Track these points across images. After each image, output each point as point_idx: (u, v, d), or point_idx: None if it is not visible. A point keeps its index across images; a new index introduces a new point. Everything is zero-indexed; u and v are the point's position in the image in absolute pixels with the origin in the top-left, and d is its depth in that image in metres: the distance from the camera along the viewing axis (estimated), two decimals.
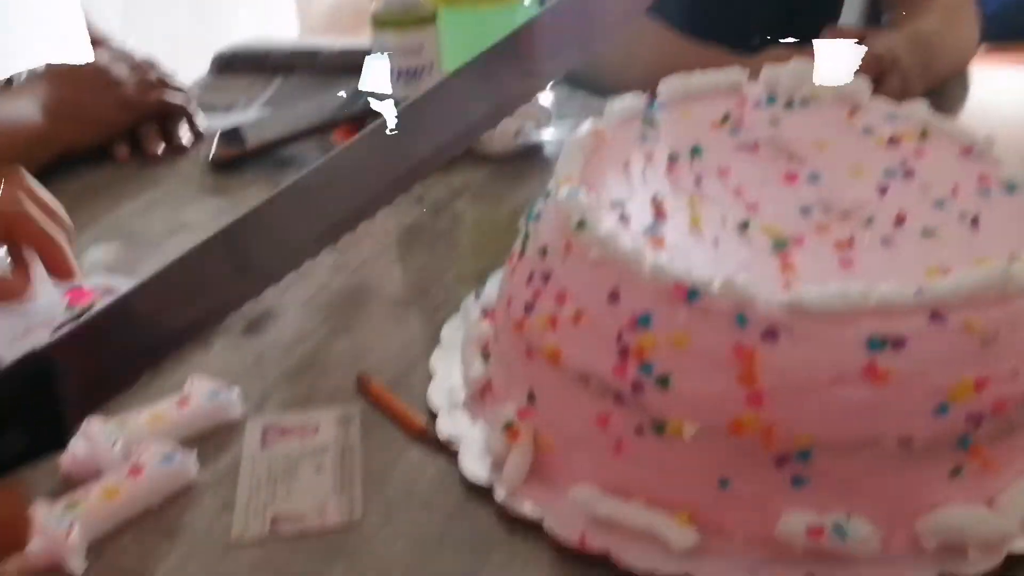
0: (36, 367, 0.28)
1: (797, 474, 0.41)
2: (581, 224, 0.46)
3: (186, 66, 1.16)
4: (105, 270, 0.66)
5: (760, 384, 0.41)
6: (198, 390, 0.55)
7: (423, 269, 0.69)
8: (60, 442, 0.29)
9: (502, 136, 0.85)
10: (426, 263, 0.70)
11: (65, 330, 0.29)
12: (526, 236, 0.51)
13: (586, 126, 0.54)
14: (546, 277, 0.47)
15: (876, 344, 0.40)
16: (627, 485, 0.44)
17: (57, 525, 0.47)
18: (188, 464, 0.50)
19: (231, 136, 0.92)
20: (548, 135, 0.86)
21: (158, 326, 0.30)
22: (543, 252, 0.48)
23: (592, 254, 0.45)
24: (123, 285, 0.62)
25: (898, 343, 0.40)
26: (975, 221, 0.47)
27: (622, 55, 0.96)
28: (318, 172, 0.32)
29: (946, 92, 0.97)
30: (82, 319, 0.29)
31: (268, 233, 0.32)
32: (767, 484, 0.42)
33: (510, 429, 0.47)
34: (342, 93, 0.93)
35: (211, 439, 0.53)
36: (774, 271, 0.44)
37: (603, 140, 0.53)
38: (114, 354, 0.29)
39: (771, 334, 0.41)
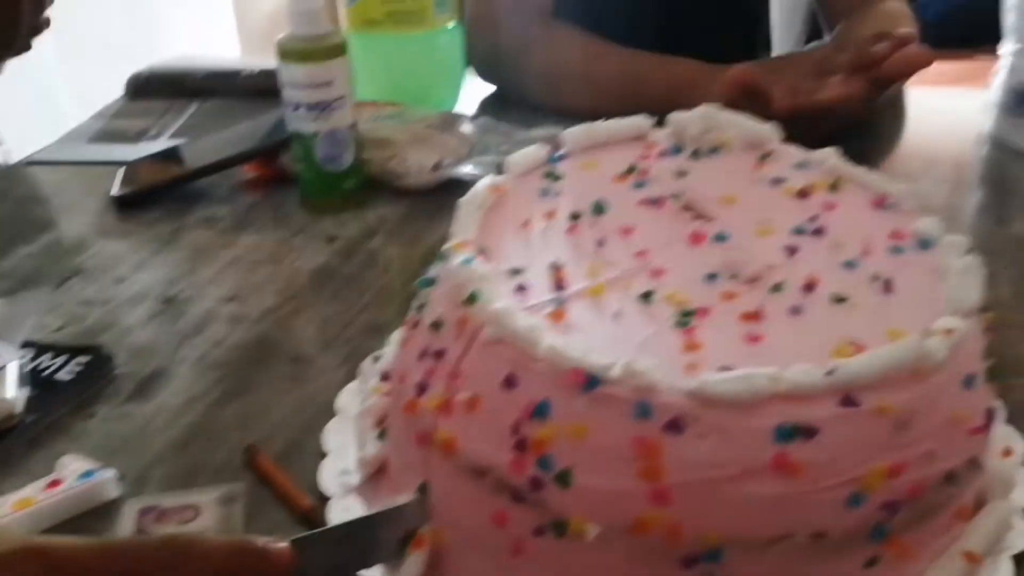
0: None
1: (707, 574, 0.36)
2: (473, 298, 0.40)
3: (118, 77, 1.08)
4: None
5: (665, 480, 0.36)
6: (70, 470, 0.48)
7: (328, 320, 0.63)
8: None
9: (419, 170, 0.79)
10: (332, 313, 0.64)
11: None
12: (422, 303, 0.46)
13: (484, 181, 0.48)
14: (439, 355, 0.41)
15: (786, 434, 0.35)
16: None
17: None
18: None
19: (133, 171, 0.84)
20: (468, 168, 0.80)
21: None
22: (436, 326, 0.42)
23: (486, 333, 0.39)
24: (3, 352, 0.56)
25: (809, 432, 0.36)
26: (888, 284, 0.43)
27: (545, 66, 0.91)
28: None
29: (883, 117, 0.94)
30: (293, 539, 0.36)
31: None
32: None
33: None
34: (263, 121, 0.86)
35: (83, 525, 0.47)
36: (678, 350, 0.39)
37: (502, 196, 0.48)
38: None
39: (675, 425, 0.36)
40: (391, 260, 0.71)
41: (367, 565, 0.40)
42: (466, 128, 0.84)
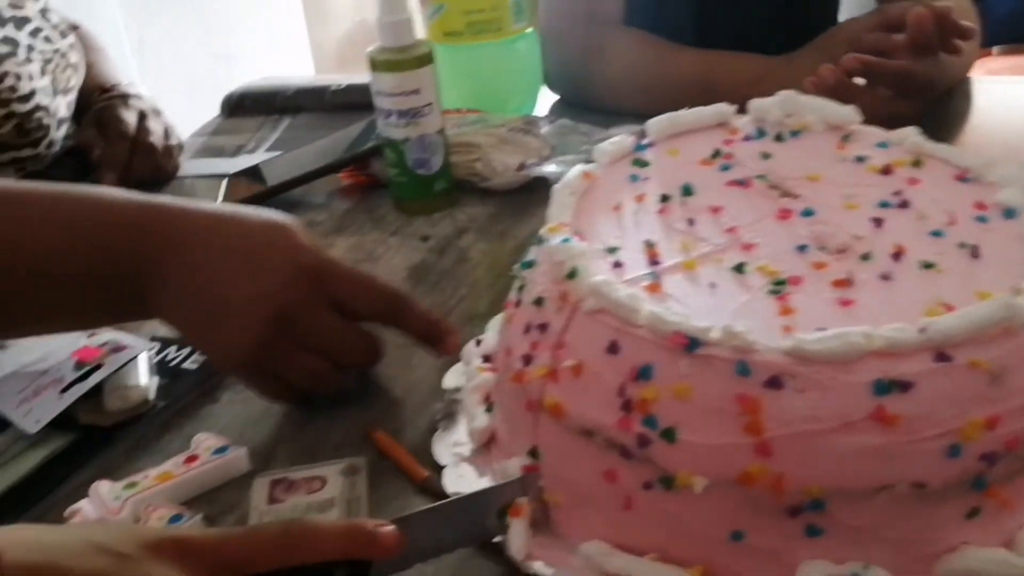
0: None
1: (811, 524, 0.38)
2: (573, 273, 0.43)
3: (202, 108, 1.14)
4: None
5: (767, 434, 0.37)
6: (204, 447, 0.52)
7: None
8: None
9: (505, 170, 0.82)
10: (431, 304, 0.67)
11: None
12: (521, 285, 0.48)
13: (576, 169, 0.51)
14: (543, 328, 0.44)
15: (883, 388, 0.37)
16: (638, 541, 0.41)
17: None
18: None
19: (248, 176, 0.88)
20: (551, 167, 0.82)
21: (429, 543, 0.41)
22: (539, 302, 0.45)
23: (587, 304, 0.42)
24: (131, 342, 0.61)
25: (905, 386, 0.37)
26: (975, 250, 0.43)
27: (619, 71, 0.93)
28: None
29: (950, 105, 0.93)
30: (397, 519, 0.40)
31: None
32: (781, 535, 0.38)
33: None
34: (349, 132, 0.90)
35: (219, 496, 0.50)
36: (773, 315, 0.40)
37: (593, 183, 0.50)
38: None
39: (774, 382, 0.37)
40: (484, 255, 0.73)
41: (470, 541, 0.43)
42: (546, 130, 0.87)
